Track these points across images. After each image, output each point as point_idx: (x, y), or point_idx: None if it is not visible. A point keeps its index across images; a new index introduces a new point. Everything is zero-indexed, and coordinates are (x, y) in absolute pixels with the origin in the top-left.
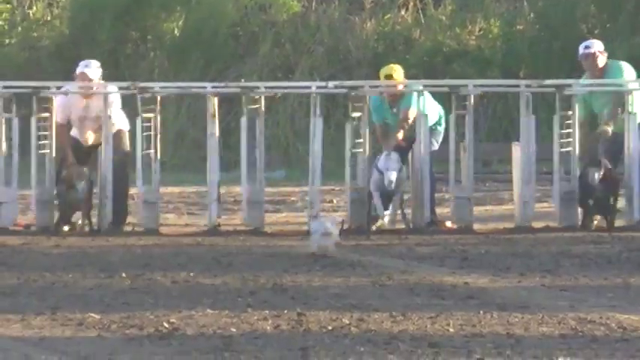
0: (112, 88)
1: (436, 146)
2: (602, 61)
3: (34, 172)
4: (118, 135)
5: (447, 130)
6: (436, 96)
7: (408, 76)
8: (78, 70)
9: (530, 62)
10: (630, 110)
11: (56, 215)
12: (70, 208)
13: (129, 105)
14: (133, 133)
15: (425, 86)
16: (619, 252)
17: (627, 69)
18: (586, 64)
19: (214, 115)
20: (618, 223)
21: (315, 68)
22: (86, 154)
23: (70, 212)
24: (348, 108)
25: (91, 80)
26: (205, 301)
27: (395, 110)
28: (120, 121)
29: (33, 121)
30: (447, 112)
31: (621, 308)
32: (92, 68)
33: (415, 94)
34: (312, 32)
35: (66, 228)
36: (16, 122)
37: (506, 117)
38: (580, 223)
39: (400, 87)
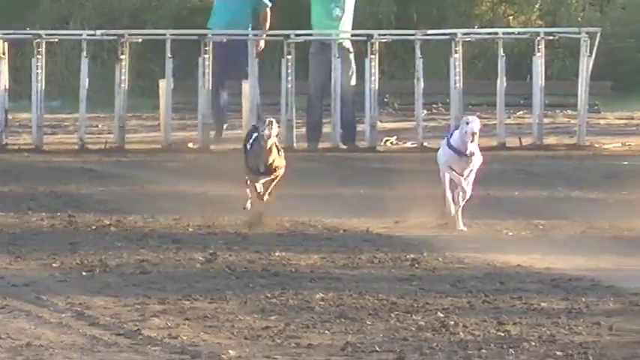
0: None
1: None
2: None
3: None
4: None
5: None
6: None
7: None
8: None
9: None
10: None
11: None
12: None
13: None
14: None
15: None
16: (323, 168)
17: None
18: None
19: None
20: (324, 145)
21: (86, 19)
22: None
23: None
24: (118, 52)
25: None
26: None
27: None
28: None
29: None
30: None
31: (326, 213)
32: None
33: None
34: None
35: None
36: None
37: None
38: None
39: None
